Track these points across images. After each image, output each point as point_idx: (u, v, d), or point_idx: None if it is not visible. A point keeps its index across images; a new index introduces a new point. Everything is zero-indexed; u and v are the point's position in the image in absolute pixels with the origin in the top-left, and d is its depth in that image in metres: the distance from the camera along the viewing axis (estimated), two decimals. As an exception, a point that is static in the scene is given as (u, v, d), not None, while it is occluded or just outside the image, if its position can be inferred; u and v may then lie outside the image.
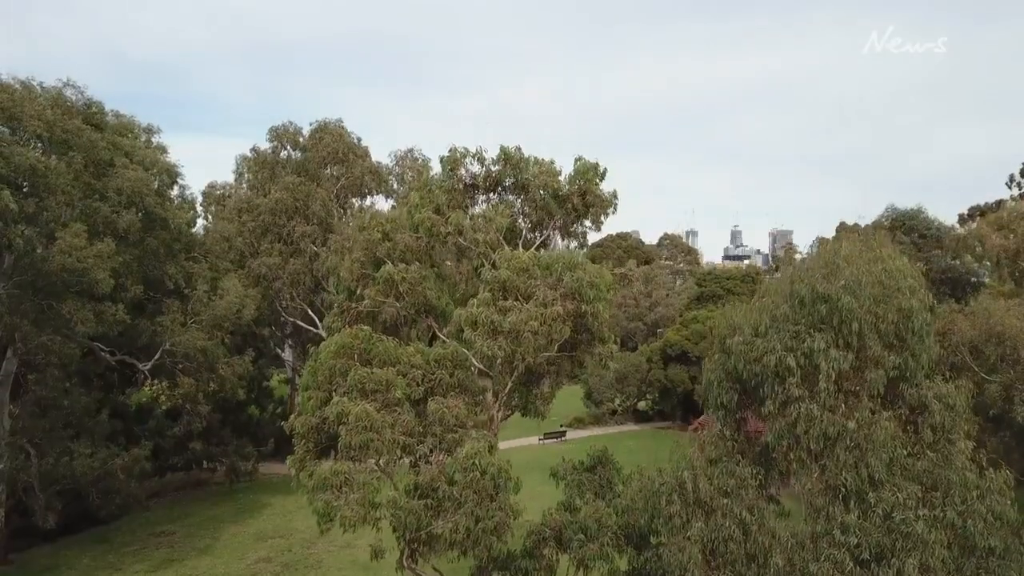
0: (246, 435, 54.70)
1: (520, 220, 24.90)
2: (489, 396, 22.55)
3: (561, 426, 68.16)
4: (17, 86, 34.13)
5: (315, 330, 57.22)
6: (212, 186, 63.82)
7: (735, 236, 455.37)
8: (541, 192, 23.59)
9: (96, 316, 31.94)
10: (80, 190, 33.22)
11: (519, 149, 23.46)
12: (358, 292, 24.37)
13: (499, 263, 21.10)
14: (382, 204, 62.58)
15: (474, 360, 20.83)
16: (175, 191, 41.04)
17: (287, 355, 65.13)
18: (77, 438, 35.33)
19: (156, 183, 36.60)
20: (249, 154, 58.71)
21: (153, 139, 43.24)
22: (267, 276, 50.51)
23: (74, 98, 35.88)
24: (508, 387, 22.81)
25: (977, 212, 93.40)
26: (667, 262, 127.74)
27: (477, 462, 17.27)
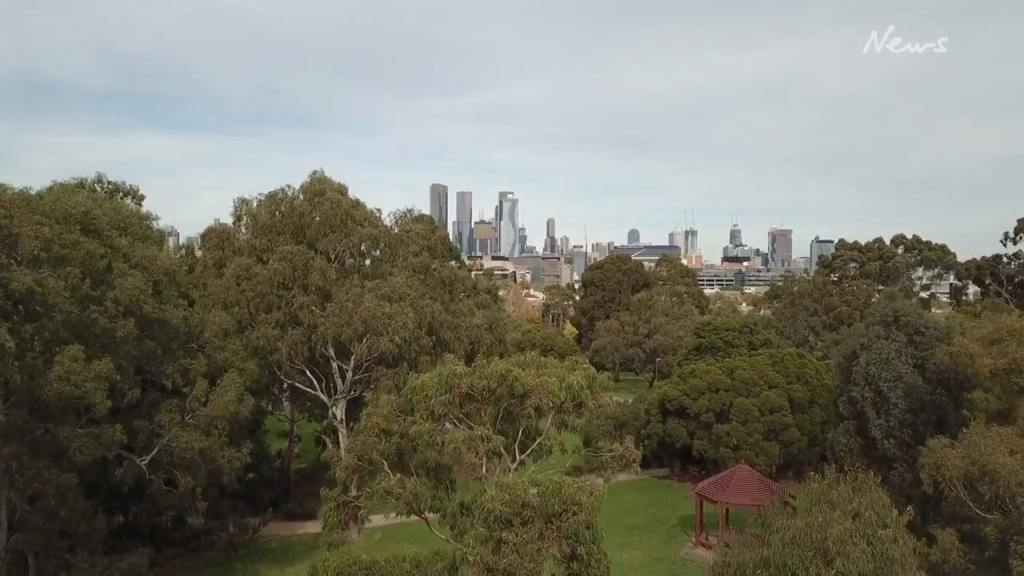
0: (243, 499, 54.80)
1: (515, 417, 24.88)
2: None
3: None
4: (14, 196, 33.99)
5: (313, 391, 57.37)
6: (211, 229, 64.93)
7: (734, 235, 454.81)
8: (537, 402, 23.58)
9: (94, 439, 31.94)
10: (77, 304, 33.11)
11: (511, 371, 23.36)
12: (354, 487, 24.46)
13: (493, 492, 21.15)
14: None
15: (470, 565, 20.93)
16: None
17: (286, 408, 65.45)
18: (74, 548, 35.37)
19: (152, 286, 36.42)
20: (248, 197, 59.98)
21: (152, 224, 43.36)
22: (265, 348, 50.54)
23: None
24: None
25: (974, 266, 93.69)
26: (665, 285, 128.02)
27: None
